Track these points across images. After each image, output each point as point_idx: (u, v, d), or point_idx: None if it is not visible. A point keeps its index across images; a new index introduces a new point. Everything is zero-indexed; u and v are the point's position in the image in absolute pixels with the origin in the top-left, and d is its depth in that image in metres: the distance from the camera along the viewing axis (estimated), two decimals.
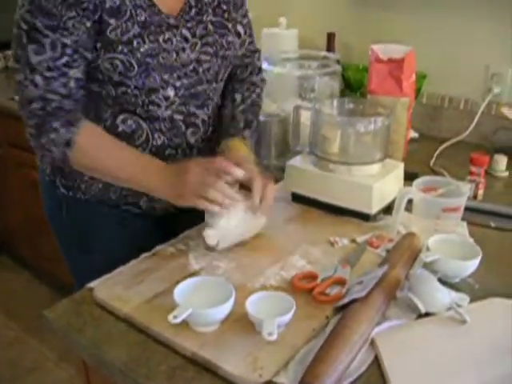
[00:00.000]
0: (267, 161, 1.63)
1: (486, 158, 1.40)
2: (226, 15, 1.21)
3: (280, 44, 2.04)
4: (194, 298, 0.89)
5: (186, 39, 1.14)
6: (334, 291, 0.96)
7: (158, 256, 1.09)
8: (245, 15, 1.28)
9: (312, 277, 1.00)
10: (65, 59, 1.03)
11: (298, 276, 1.01)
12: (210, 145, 1.26)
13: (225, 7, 1.21)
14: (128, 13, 1.06)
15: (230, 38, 1.22)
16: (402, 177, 1.30)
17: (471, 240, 1.13)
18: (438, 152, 1.69)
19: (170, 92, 1.14)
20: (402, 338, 0.87)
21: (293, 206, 1.30)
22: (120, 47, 1.06)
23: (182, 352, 0.85)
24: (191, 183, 1.02)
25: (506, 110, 1.71)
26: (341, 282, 0.98)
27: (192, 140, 1.22)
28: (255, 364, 0.80)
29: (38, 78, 1.03)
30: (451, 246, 1.04)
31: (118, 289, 0.98)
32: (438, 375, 0.80)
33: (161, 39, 1.10)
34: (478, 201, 1.37)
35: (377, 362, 0.83)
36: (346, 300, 0.91)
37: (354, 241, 1.15)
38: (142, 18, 1.08)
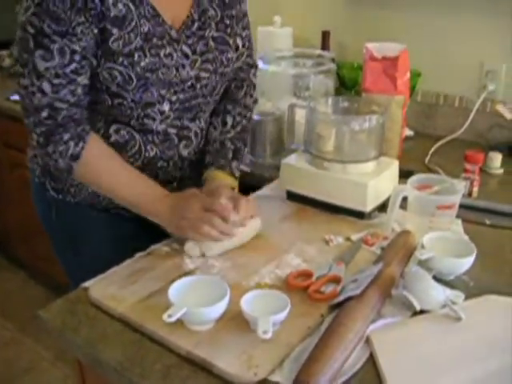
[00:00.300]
0: (262, 159, 1.63)
1: (481, 156, 1.40)
2: (228, 30, 1.20)
3: (275, 42, 2.04)
4: (188, 296, 0.89)
5: (186, 56, 1.13)
6: (329, 289, 0.96)
7: (152, 255, 1.09)
8: (245, 27, 1.26)
9: (307, 275, 1.00)
10: (73, 66, 1.02)
11: (292, 274, 1.01)
12: (202, 157, 1.27)
13: (228, 22, 1.19)
14: (133, 23, 1.05)
15: (230, 55, 1.20)
16: (396, 175, 1.30)
17: (466, 237, 1.13)
18: (432, 150, 1.69)
19: (166, 107, 1.13)
20: (397, 336, 0.87)
21: (288, 204, 1.30)
22: (121, 59, 1.05)
23: (176, 351, 0.85)
24: (189, 219, 1.05)
25: (500, 108, 1.71)
26: (336, 280, 0.98)
27: (184, 153, 1.22)
28: (250, 362, 0.80)
29: (46, 85, 1.01)
30: (446, 244, 1.04)
31: (112, 288, 0.98)
32: (433, 372, 0.80)
33: (162, 54, 1.08)
34: (473, 198, 1.37)
35: (372, 360, 0.83)
36: (340, 298, 0.91)
37: (348, 239, 1.15)
38: (146, 29, 1.06)
